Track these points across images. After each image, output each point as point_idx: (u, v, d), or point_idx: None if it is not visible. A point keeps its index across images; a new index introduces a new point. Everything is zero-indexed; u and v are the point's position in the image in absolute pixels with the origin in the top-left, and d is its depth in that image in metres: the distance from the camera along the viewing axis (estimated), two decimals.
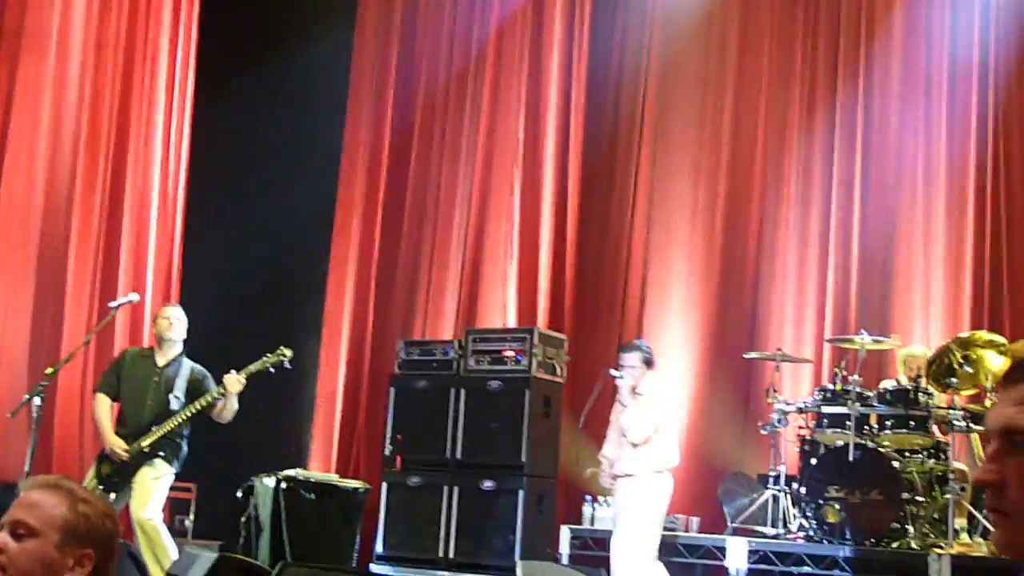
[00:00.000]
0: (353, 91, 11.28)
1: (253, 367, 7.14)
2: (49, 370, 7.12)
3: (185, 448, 7.28)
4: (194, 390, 7.24)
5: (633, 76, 10.48)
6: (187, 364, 7.35)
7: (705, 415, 9.59)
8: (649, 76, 10.38)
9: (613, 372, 7.47)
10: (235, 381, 7.08)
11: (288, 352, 7.23)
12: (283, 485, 8.28)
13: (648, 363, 7.41)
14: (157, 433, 7.07)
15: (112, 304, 7.75)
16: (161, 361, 7.33)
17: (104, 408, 7.29)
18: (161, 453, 7.08)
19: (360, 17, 11.36)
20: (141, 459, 7.07)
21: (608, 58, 10.62)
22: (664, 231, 10.10)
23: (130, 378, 7.30)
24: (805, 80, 9.95)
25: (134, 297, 8.11)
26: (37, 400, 6.71)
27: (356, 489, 8.89)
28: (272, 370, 7.19)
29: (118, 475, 7.08)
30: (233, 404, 7.16)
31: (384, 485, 8.88)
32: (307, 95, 11.12)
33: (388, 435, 8.93)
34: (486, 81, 10.72)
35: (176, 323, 7.39)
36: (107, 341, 9.63)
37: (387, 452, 8.92)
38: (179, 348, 7.44)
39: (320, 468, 10.26)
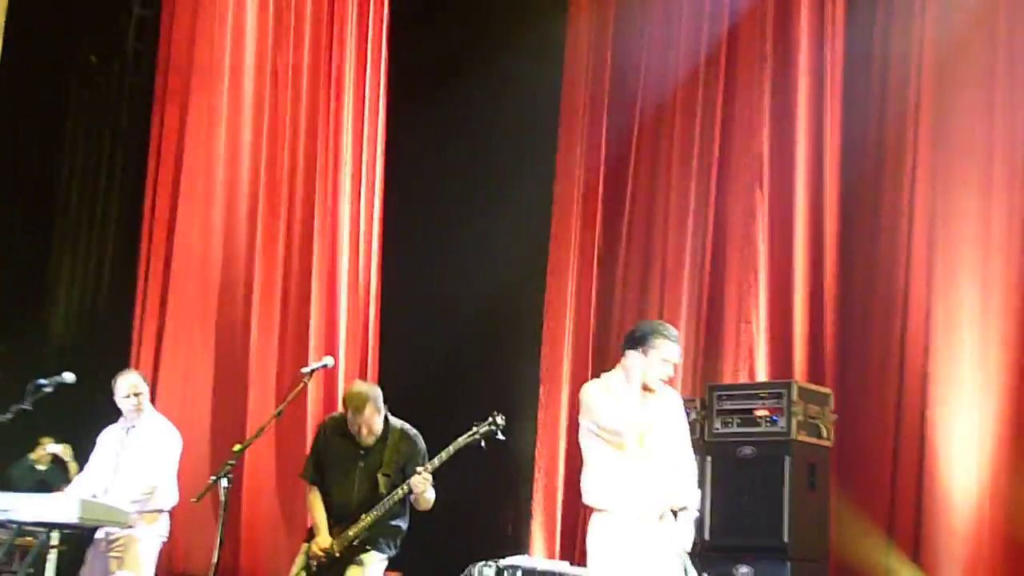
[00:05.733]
0: (566, 106, 10.32)
1: (461, 441, 6.33)
2: (237, 447, 6.42)
3: (402, 526, 6.53)
4: (403, 459, 6.48)
5: (901, 70, 9.01)
6: (392, 431, 6.55)
7: (1019, 471, 8.03)
8: (922, 68, 8.88)
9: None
10: (420, 481, 6.32)
11: (500, 420, 6.39)
12: (506, 575, 7.76)
13: None
14: (366, 520, 6.35)
15: (304, 370, 6.91)
16: None
17: (317, 502, 6.58)
18: (368, 547, 6.39)
19: (571, 19, 10.38)
20: (351, 552, 6.39)
21: (869, 51, 9.18)
22: (949, 258, 8.59)
23: (331, 459, 6.60)
24: None
25: (328, 361, 7.25)
26: (224, 482, 6.10)
27: None
28: (483, 444, 6.36)
29: (327, 570, 6.43)
30: (428, 495, 6.43)
31: None
32: (512, 116, 10.43)
33: None
34: (719, 89, 9.53)
35: (380, 415, 6.56)
36: (299, 413, 8.99)
37: None
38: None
39: (544, 550, 9.44)
